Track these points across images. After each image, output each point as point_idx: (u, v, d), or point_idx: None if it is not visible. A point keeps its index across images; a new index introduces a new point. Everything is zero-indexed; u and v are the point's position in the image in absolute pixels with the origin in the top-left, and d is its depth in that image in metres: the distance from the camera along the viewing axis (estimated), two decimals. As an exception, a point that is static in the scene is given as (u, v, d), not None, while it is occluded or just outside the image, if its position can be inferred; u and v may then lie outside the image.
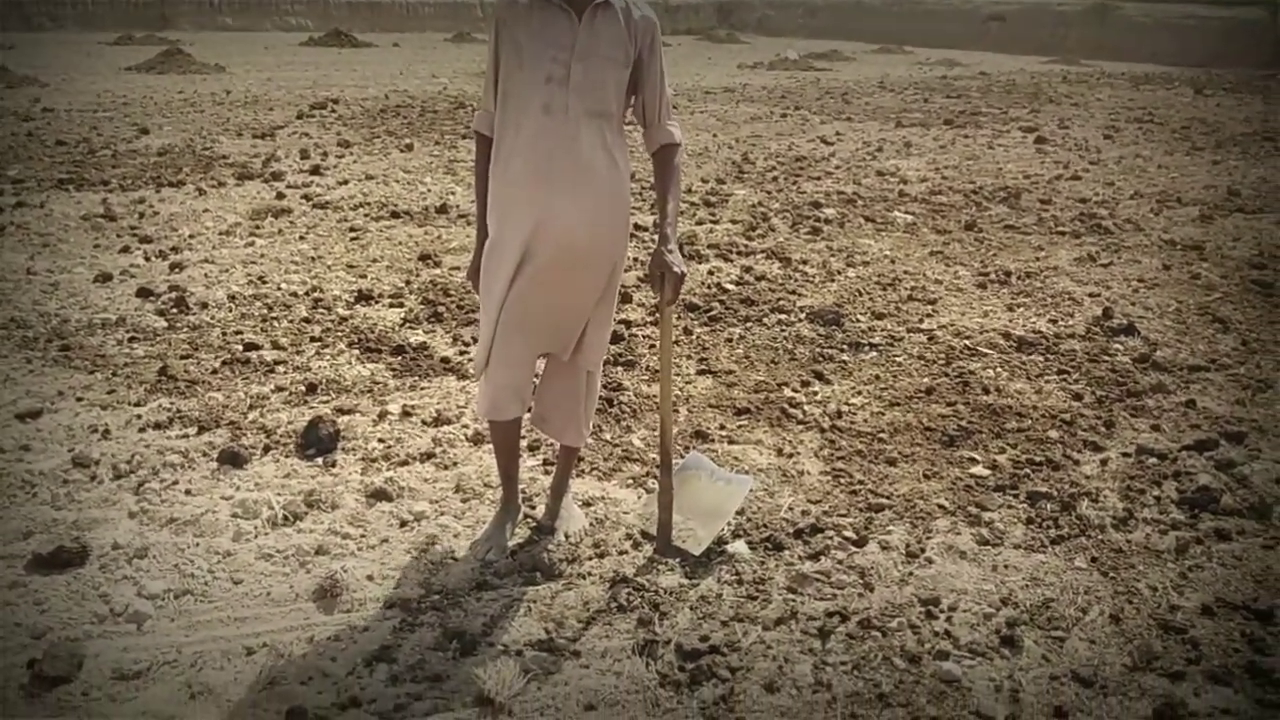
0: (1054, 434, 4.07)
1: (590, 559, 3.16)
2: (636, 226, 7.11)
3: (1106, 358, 4.88)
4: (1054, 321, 5.40)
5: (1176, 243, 7.08)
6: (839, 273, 6.24)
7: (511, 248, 2.84)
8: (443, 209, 7.52)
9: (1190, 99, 16.58)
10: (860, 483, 3.66)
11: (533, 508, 3.41)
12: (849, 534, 3.30)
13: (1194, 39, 23.94)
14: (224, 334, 4.95)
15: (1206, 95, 17.08)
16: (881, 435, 4.05)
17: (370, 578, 3.03)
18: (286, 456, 3.78)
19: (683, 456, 3.51)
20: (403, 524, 3.34)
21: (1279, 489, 3.67)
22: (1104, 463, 3.85)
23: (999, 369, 4.73)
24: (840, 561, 3.16)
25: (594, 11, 2.77)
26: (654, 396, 4.34)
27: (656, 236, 2.94)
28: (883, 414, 4.25)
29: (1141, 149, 11.18)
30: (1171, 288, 6.04)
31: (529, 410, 3.20)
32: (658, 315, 3.15)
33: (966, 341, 5.07)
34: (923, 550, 3.22)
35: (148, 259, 6.09)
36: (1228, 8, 25.11)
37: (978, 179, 9.25)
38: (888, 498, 3.55)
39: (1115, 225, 7.55)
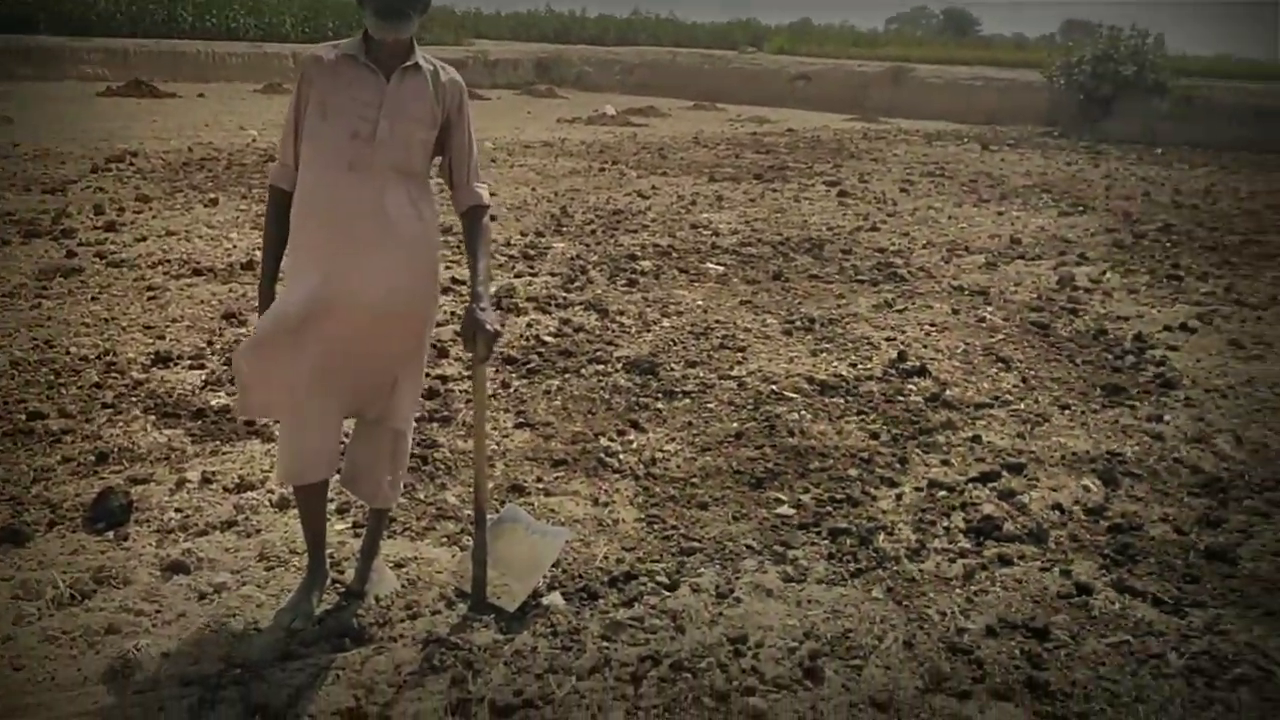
0: (854, 472, 4.28)
1: (402, 621, 3.11)
2: (453, 280, 7.09)
3: (901, 398, 5.18)
4: (854, 365, 5.70)
5: (964, 288, 7.60)
6: (654, 323, 6.39)
7: (314, 305, 2.80)
8: (249, 265, 7.28)
9: (978, 154, 17.85)
10: (673, 528, 3.74)
11: (341, 573, 3.32)
12: (661, 579, 3.36)
13: (980, 98, 25.86)
14: (5, 403, 4.63)
15: (992, 150, 18.43)
16: (694, 480, 4.16)
17: (166, 655, 2.88)
18: (73, 531, 3.55)
19: (498, 511, 3.51)
20: (201, 596, 3.19)
21: (1054, 515, 3.98)
22: (899, 497, 4.08)
23: (804, 412, 4.94)
24: (653, 606, 3.21)
25: (402, 73, 2.80)
26: (469, 452, 4.32)
27: (470, 295, 2.95)
28: (695, 459, 4.37)
29: (934, 201, 11.95)
30: (959, 330, 6.48)
31: (338, 472, 3.13)
32: (471, 372, 3.16)
33: (773, 386, 5.28)
34: (731, 590, 3.32)
35: (-82, 324, 5.65)
36: (1010, 69, 27.27)
37: (785, 230, 9.67)
38: (699, 541, 3.64)
39: (909, 273, 8.04)
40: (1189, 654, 3.09)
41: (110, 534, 3.54)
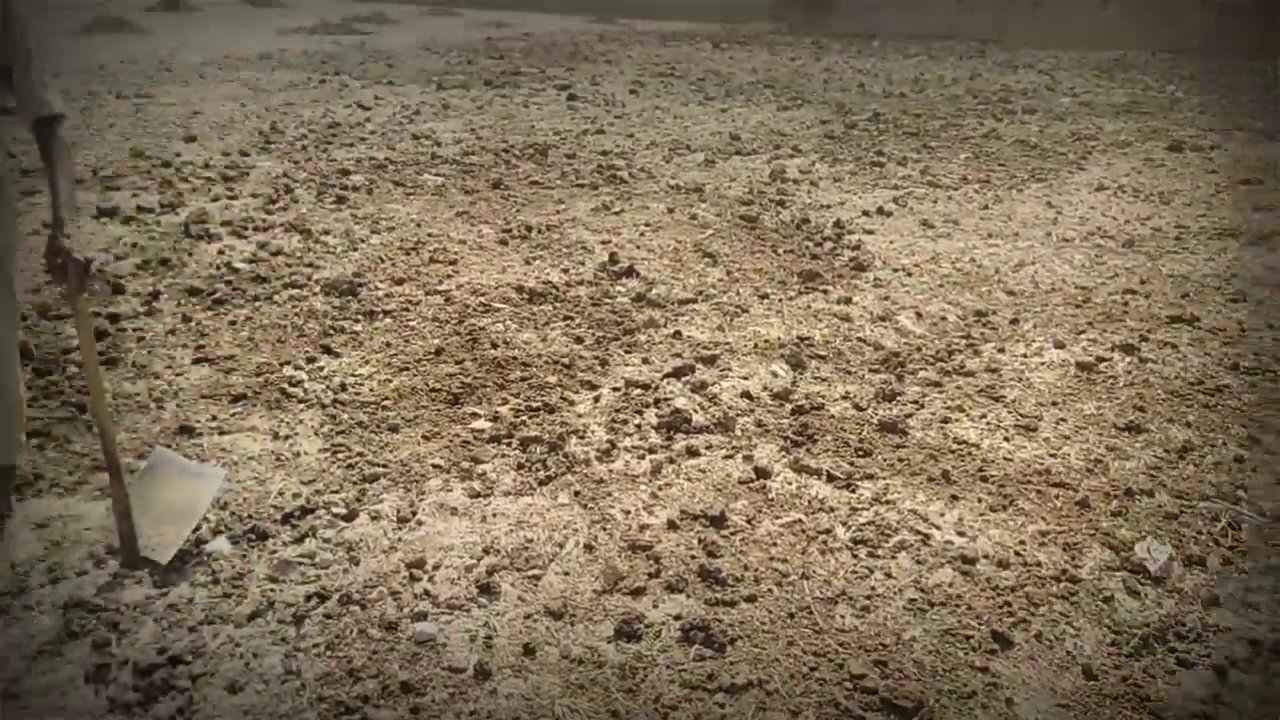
0: (553, 379, 4.25)
1: (43, 586, 2.83)
2: (139, 209, 6.50)
3: (608, 300, 5.19)
4: (565, 271, 5.64)
5: (681, 187, 7.68)
6: (362, 240, 6.09)
7: None
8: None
9: (709, 53, 18.08)
10: (359, 455, 3.59)
11: (-30, 542, 2.98)
12: (340, 510, 3.22)
13: (714, -2, 26.20)
14: None
15: (723, 49, 18.71)
16: (386, 403, 4.01)
17: None
18: None
19: (145, 457, 3.24)
20: None
21: (743, 403, 4.09)
22: (596, 400, 4.08)
23: (509, 322, 4.86)
24: (328, 540, 3.08)
25: None
26: (137, 394, 3.98)
27: (52, 222, 2.63)
28: (390, 381, 4.21)
29: (661, 101, 12.01)
30: (672, 229, 6.54)
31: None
32: (71, 309, 2.85)
33: (481, 299, 5.15)
34: (414, 514, 3.23)
35: None
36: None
37: (510, 138, 9.45)
38: (384, 466, 3.51)
39: (630, 175, 8.05)
40: (856, 526, 3.27)
41: None
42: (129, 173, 7.52)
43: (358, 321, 4.83)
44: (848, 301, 5.25)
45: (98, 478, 3.39)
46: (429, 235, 6.25)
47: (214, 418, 3.84)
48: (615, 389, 4.18)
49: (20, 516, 3.08)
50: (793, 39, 20.90)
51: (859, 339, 4.79)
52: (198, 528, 3.02)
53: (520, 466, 3.54)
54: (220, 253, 5.75)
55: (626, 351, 4.57)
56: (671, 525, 3.22)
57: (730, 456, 3.68)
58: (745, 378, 4.33)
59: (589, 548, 3.07)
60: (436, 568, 2.95)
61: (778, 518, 3.30)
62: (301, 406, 3.96)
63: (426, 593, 2.83)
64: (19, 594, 2.80)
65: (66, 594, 2.80)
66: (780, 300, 5.26)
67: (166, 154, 8.21)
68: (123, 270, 5.34)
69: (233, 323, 4.77)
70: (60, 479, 3.38)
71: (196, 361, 4.33)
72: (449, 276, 5.52)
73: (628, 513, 3.28)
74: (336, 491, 3.34)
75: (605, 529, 3.18)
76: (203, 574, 2.89)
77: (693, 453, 3.68)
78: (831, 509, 3.37)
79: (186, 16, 22.19)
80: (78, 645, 2.60)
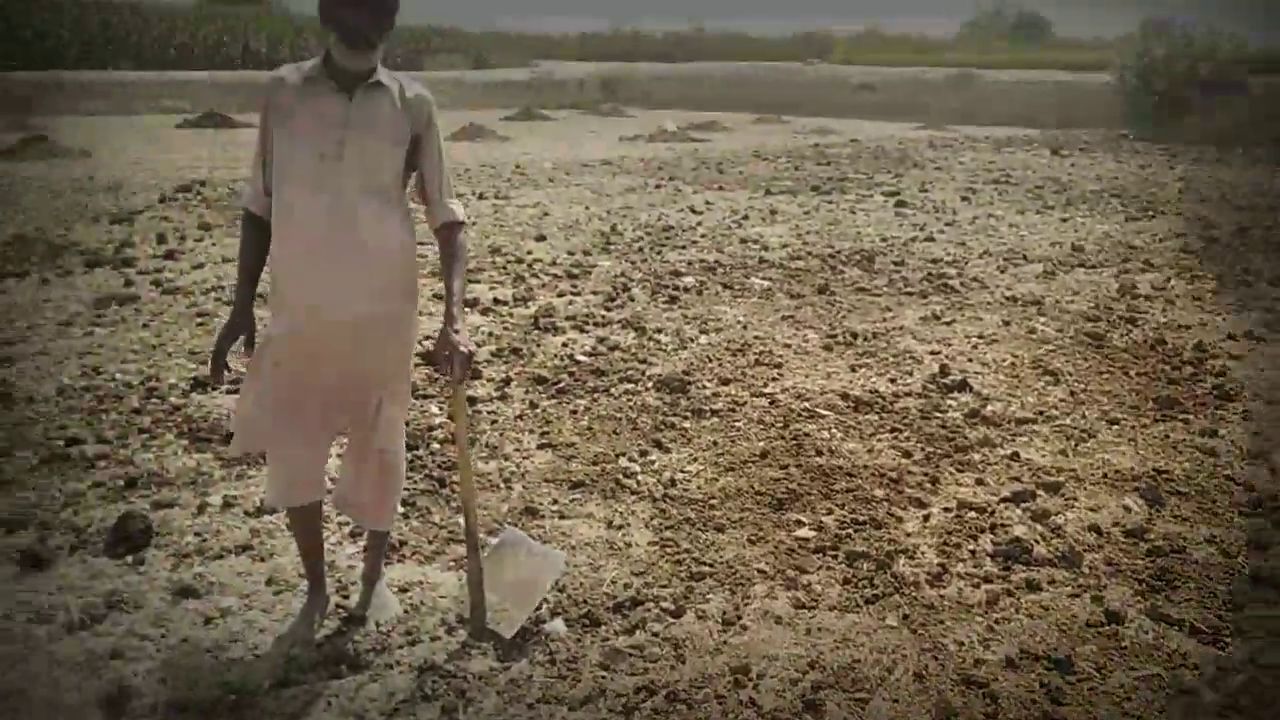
0: (880, 492, 4.15)
1: (401, 647, 3.08)
2: (496, 301, 7.12)
3: (939, 414, 5.02)
4: (893, 381, 5.54)
5: (1018, 299, 7.37)
6: (691, 340, 6.31)
7: (290, 325, 2.82)
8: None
9: (1047, 159, 17.42)
10: (686, 551, 3.66)
11: (345, 596, 3.31)
12: (667, 605, 3.28)
13: (1052, 102, 25.28)
14: (46, 429, 4.74)
15: (1062, 155, 17.97)
16: (713, 502, 4.07)
17: (164, 681, 2.89)
18: (95, 556, 3.61)
19: (495, 534, 3.47)
20: (208, 621, 3.21)
21: (1090, 537, 3.79)
22: (925, 519, 3.93)
23: (834, 430, 4.82)
24: (656, 634, 3.14)
25: (365, 90, 2.79)
26: (489, 474, 4.30)
27: (444, 316, 2.92)
28: (716, 480, 4.28)
29: (995, 209, 11.67)
30: (1008, 343, 6.27)
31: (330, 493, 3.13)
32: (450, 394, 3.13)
33: (806, 404, 5.15)
34: (739, 617, 3.23)
35: (-25, 353, 5.84)
36: (1086, 73, 26.63)
37: (837, 243, 9.52)
38: (710, 565, 3.55)
39: (962, 284, 7.83)
40: (1227, 690, 2.91)
41: (129, 558, 3.59)
42: (488, 267, 8.28)
43: (686, 419, 4.98)
44: (1212, 434, 4.76)
45: (453, 549, 3.68)
46: (755, 337, 6.37)
47: (555, 501, 4.07)
48: (947, 509, 4.01)
49: (386, 579, 3.38)
50: (1142, 146, 19.70)
51: (1226, 476, 4.32)
52: (538, 607, 3.18)
53: (846, 581, 3.46)
54: (564, 345, 6.16)
55: (959, 470, 4.39)
56: (1010, 663, 3.00)
57: (1076, 595, 3.40)
58: (1093, 509, 4.02)
59: (919, 676, 2.93)
60: (761, 677, 2.92)
61: (1132, 669, 3.00)
62: (634, 498, 4.11)
63: (752, 701, 2.80)
64: (381, 651, 3.06)
65: (422, 657, 3.03)
66: (1133, 427, 4.86)
67: (520, 251, 8.97)
68: (480, 356, 5.84)
69: (573, 412, 5.06)
70: (421, 547, 3.70)
71: (541, 446, 4.63)
72: (774, 379, 5.58)
73: (961, 644, 3.10)
74: (665, 586, 3.41)
75: (937, 658, 3.02)
76: (540, 653, 3.03)
77: (1033, 586, 3.44)
78: (1196, 666, 3.02)
79: (540, 125, 24.41)
80: (429, 707, 2.80)
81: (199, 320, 6.65)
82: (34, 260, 8.29)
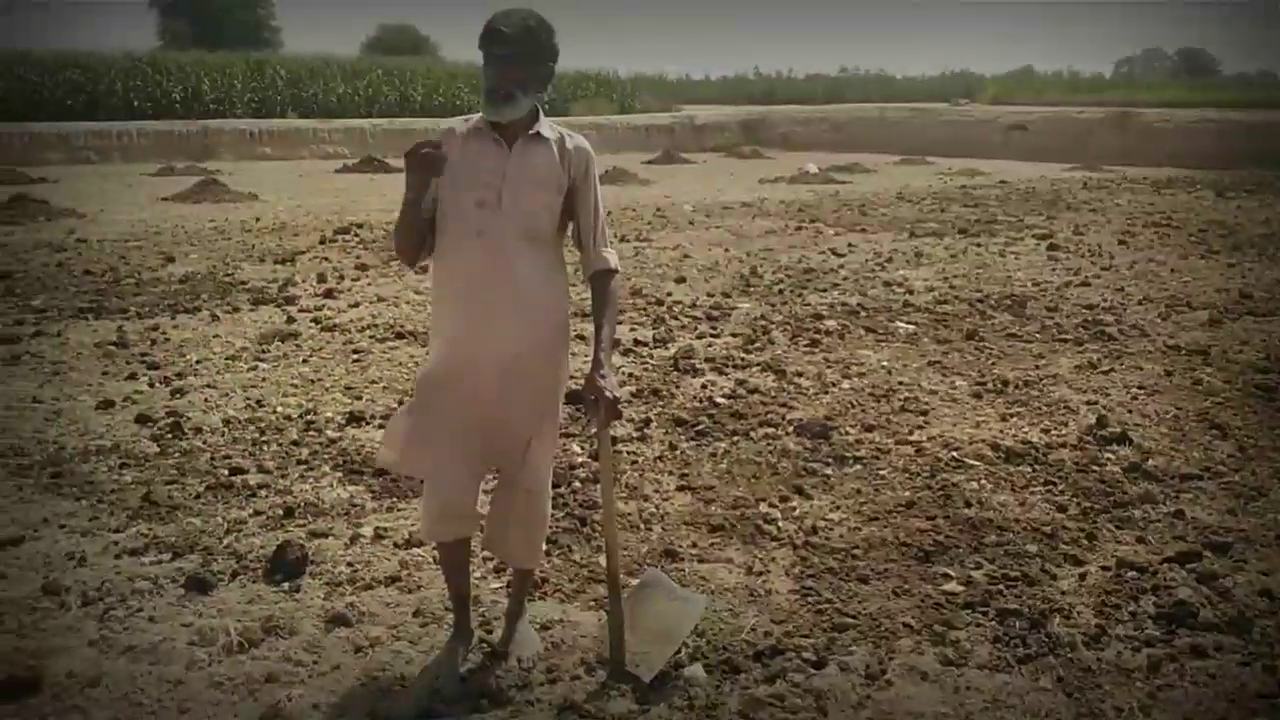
0: (1033, 547, 3.98)
1: (542, 685, 3.11)
2: (636, 342, 7.20)
3: (1096, 468, 4.80)
4: (1046, 431, 5.33)
5: (1181, 348, 7.01)
6: (833, 385, 6.23)
7: (448, 363, 2.94)
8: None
9: (1211, 202, 16.58)
10: (828, 601, 3.59)
11: (489, 631, 3.37)
12: (809, 655, 3.22)
13: (1216, 141, 24.03)
14: (212, 459, 5.02)
15: (1228, 198, 17.07)
16: (855, 551, 3.98)
17: (316, 706, 2.99)
18: (254, 582, 3.78)
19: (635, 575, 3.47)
20: (358, 650, 3.31)
21: (1262, 602, 3.55)
22: (1082, 577, 3.76)
23: (984, 481, 4.66)
24: (797, 685, 3.08)
25: (525, 141, 2.89)
26: (629, 514, 4.32)
27: (591, 361, 2.97)
28: (859, 529, 4.19)
29: (1155, 253, 11.16)
30: (1171, 394, 5.96)
31: (481, 530, 3.21)
32: (597, 439, 3.17)
33: (954, 453, 5.01)
34: (883, 672, 3.14)
35: (151, 385, 6.23)
36: (1244, 110, 25.30)
37: (985, 287, 9.26)
38: (854, 616, 3.47)
39: (1120, 331, 7.49)
40: None
41: (286, 585, 3.75)
42: (629, 309, 8.37)
43: (828, 465, 4.90)
44: (1404, 496, 4.41)
45: (594, 588, 3.70)
46: (900, 383, 6.24)
47: (694, 545, 4.06)
48: (1105, 567, 3.82)
49: (528, 616, 3.42)
50: (1316, 187, 18.53)
51: None
52: (678, 651, 3.16)
53: (997, 639, 3.32)
54: (703, 387, 6.17)
55: (1118, 527, 4.18)
56: (1175, 735, 2.83)
57: (1246, 664, 3.18)
58: (1264, 573, 3.76)
59: (1076, 744, 2.79)
60: (906, 735, 2.83)
61: (1313, 749, 2.78)
62: (774, 544, 4.06)
63: (896, 761, 2.72)
64: (522, 688, 3.09)
65: (562, 695, 3.05)
66: (1311, 486, 4.54)
67: (660, 293, 9.05)
68: (620, 397, 5.89)
69: (713, 454, 5.05)
70: (562, 585, 3.74)
71: (680, 489, 4.63)
72: (920, 427, 5.44)
73: (1120, 710, 2.94)
74: (806, 636, 3.35)
75: (1095, 726, 2.87)
76: (679, 698, 3.01)
77: (1199, 653, 3.24)
78: (1386, 750, 2.77)
79: (680, 168, 24.64)
80: (569, 746, 2.81)
81: (354, 357, 6.94)
82: (204, 297, 8.83)
